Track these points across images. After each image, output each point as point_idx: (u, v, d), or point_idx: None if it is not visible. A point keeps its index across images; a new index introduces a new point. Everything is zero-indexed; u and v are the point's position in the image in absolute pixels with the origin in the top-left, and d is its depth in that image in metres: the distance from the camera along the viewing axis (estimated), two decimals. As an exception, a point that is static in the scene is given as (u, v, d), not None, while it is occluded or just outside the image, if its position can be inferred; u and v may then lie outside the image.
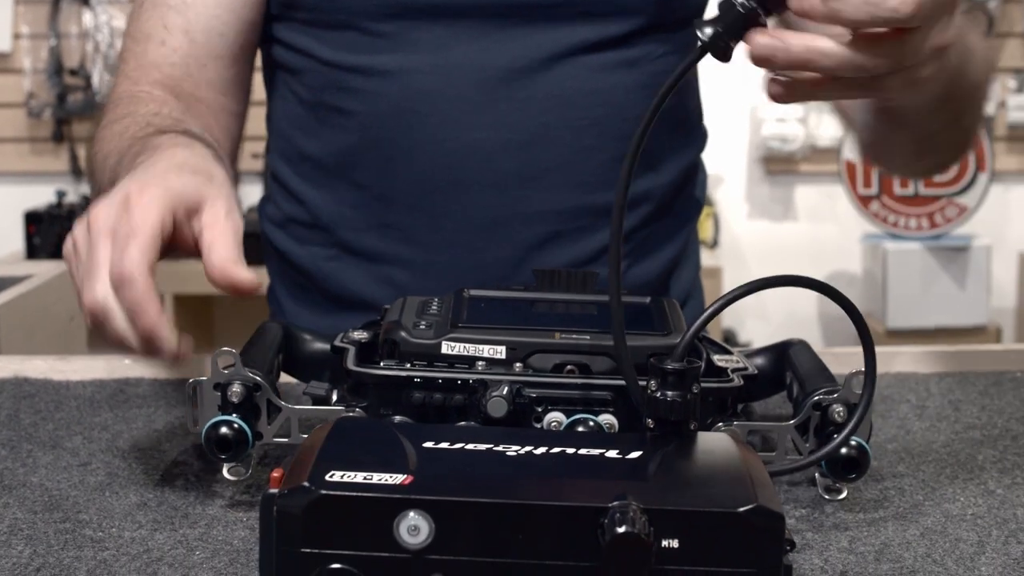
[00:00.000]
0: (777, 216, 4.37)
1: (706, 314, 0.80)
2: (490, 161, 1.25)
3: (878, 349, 0.88)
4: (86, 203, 4.03)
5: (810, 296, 4.35)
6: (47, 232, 3.85)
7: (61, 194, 3.98)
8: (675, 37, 1.32)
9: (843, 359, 1.13)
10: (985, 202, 3.98)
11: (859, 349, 0.86)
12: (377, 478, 0.66)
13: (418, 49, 1.26)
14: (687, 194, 1.40)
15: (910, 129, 1.21)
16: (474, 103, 1.25)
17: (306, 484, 0.65)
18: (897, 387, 1.18)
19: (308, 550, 0.65)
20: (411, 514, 0.65)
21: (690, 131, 1.41)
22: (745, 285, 0.82)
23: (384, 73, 1.26)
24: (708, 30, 0.79)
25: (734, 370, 0.91)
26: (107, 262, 0.84)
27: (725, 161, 4.26)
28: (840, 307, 0.85)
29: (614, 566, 0.64)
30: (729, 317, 4.07)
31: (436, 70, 1.25)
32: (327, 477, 0.66)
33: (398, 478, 0.66)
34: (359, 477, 0.66)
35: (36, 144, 4.23)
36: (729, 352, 0.97)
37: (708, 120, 1.44)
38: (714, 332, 3.64)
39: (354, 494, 0.65)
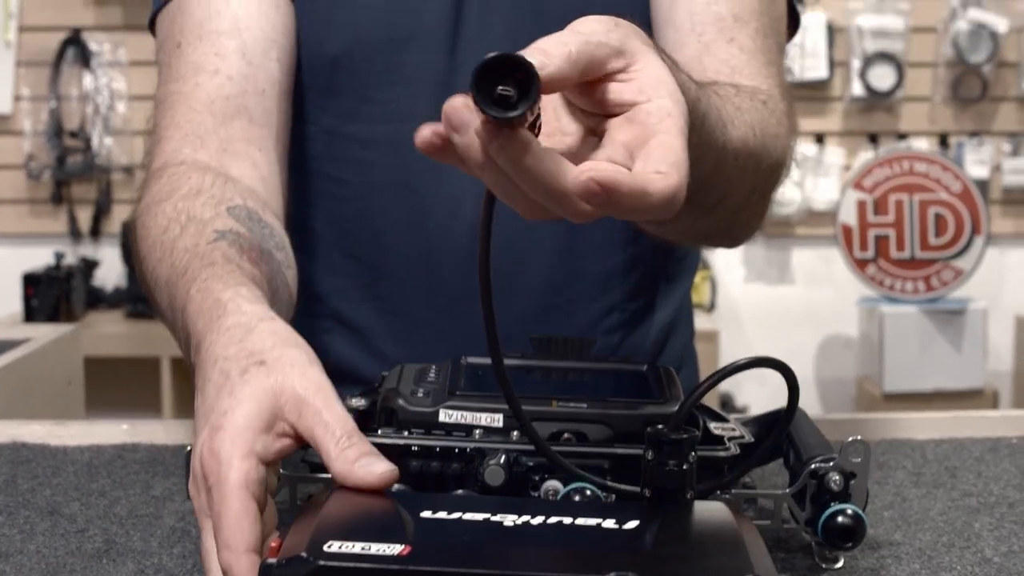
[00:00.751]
0: (774, 279, 4.38)
1: (695, 394, 0.81)
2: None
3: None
4: (85, 265, 4.05)
5: (807, 360, 4.36)
6: (45, 294, 3.85)
7: (59, 256, 3.99)
8: None
9: (840, 426, 1.13)
10: (981, 265, 3.99)
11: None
12: (375, 548, 0.66)
13: (414, 119, 1.26)
14: (680, 259, 1.40)
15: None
16: (466, 176, 1.25)
17: (304, 555, 0.66)
18: (893, 454, 1.18)
19: None
20: None
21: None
22: (723, 369, 0.82)
23: (381, 143, 1.26)
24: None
25: (730, 438, 0.91)
26: (212, 548, 0.78)
27: (722, 224, 4.27)
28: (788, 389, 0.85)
29: None
30: (727, 381, 4.06)
31: None
32: (325, 547, 0.66)
33: (396, 548, 0.66)
34: (357, 547, 0.66)
35: (35, 206, 4.24)
36: (725, 420, 0.97)
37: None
38: (712, 396, 3.64)
39: (352, 565, 0.65)
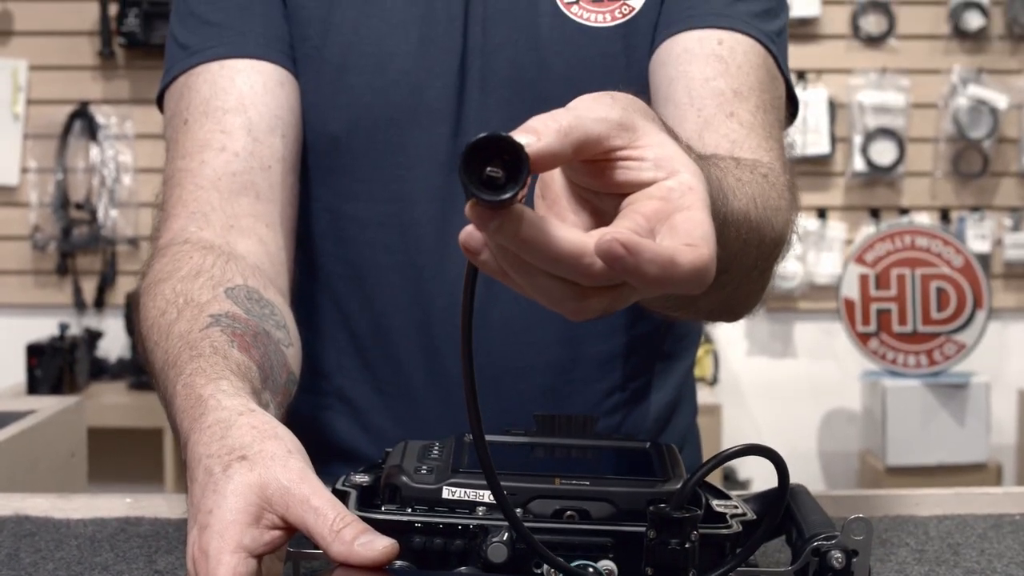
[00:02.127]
0: (776, 353, 4.38)
1: (696, 476, 0.81)
2: (483, 316, 1.25)
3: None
4: (89, 336, 4.05)
5: (810, 434, 4.35)
6: (49, 365, 3.86)
7: (64, 327, 4.00)
8: None
9: (842, 502, 1.13)
10: (983, 339, 3.99)
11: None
12: None
13: (416, 200, 1.27)
14: (680, 337, 1.41)
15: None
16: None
17: None
18: (896, 530, 1.18)
19: None
20: None
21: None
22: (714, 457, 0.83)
23: (382, 224, 1.27)
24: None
25: (733, 516, 0.92)
26: None
27: (724, 297, 4.27)
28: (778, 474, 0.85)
29: None
30: (729, 453, 4.05)
31: (432, 222, 1.26)
32: None
33: None
34: None
35: (40, 277, 4.26)
36: (728, 497, 0.97)
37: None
38: (714, 471, 3.62)
39: None
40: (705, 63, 1.21)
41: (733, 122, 1.19)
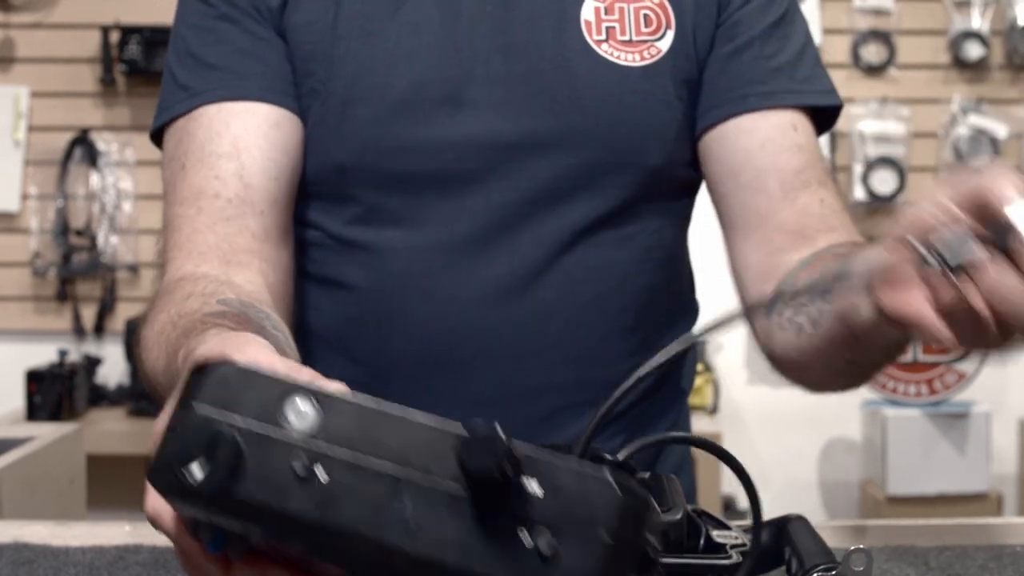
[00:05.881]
0: (776, 382, 4.35)
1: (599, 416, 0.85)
2: (489, 338, 1.26)
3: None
4: (88, 363, 4.05)
5: (811, 463, 4.35)
6: (48, 391, 3.85)
7: (63, 353, 4.00)
8: (668, 209, 1.34)
9: (842, 533, 1.13)
10: (984, 369, 3.98)
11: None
12: None
13: (422, 225, 1.28)
14: (679, 369, 1.42)
15: (860, 354, 1.15)
16: (472, 281, 1.27)
17: None
18: (896, 561, 1.18)
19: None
20: None
21: (684, 305, 1.43)
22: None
23: (388, 250, 1.28)
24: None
25: (732, 546, 0.91)
26: None
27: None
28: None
29: None
30: (728, 484, 4.05)
31: (439, 247, 1.27)
32: None
33: None
34: None
35: (40, 303, 4.26)
36: (728, 527, 0.97)
37: (706, 285, 1.46)
38: (713, 499, 3.62)
39: None
40: (791, 155, 1.29)
41: (825, 208, 1.29)
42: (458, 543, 0.60)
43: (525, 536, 0.60)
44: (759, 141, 1.29)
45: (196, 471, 0.66)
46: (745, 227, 1.30)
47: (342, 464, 0.64)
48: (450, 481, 0.63)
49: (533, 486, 0.62)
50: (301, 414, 0.66)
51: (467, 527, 0.61)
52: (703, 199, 1.40)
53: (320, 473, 0.64)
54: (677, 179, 1.34)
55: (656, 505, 0.65)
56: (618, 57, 1.28)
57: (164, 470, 0.67)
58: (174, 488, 0.67)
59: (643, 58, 1.29)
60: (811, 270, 1.19)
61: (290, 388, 0.67)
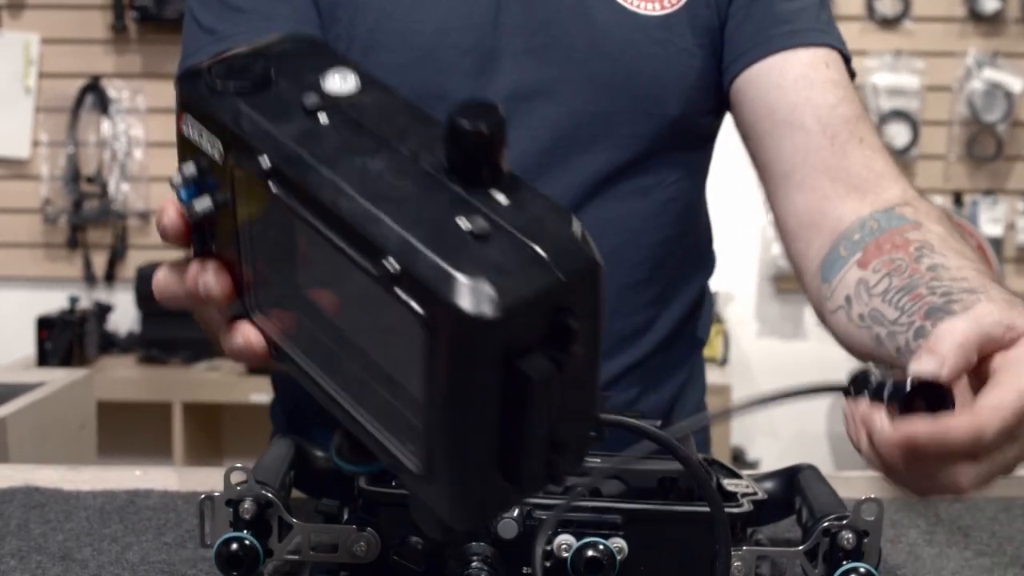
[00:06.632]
0: (787, 334, 4.38)
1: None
2: None
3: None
4: (99, 310, 4.06)
5: (820, 414, 4.35)
6: (59, 338, 3.86)
7: (74, 300, 4.01)
8: (686, 160, 1.34)
9: (852, 484, 1.13)
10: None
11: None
12: None
13: None
14: (695, 320, 1.41)
15: None
16: None
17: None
18: (906, 512, 1.18)
19: None
20: None
21: (701, 256, 1.42)
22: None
23: None
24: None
25: (744, 495, 0.92)
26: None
27: (735, 279, 4.28)
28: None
29: None
30: (738, 435, 4.06)
31: None
32: None
33: None
34: None
35: (50, 250, 4.26)
36: (739, 476, 0.97)
37: (718, 237, 1.46)
38: (723, 449, 3.63)
39: None
40: (824, 90, 1.28)
41: (866, 148, 1.27)
42: (403, 208, 0.59)
43: (464, 221, 0.58)
44: (792, 77, 1.28)
45: (221, 83, 0.69)
46: (785, 170, 1.27)
47: (346, 120, 0.66)
48: (430, 163, 0.63)
49: (500, 196, 0.61)
50: (339, 80, 0.67)
51: (418, 196, 0.60)
52: (722, 151, 1.39)
53: (323, 117, 0.65)
54: (696, 129, 1.33)
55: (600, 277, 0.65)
56: (637, 6, 1.27)
57: (196, 75, 0.70)
58: (197, 87, 0.70)
59: (662, 7, 1.28)
60: (872, 259, 1.17)
61: (344, 62, 0.68)
